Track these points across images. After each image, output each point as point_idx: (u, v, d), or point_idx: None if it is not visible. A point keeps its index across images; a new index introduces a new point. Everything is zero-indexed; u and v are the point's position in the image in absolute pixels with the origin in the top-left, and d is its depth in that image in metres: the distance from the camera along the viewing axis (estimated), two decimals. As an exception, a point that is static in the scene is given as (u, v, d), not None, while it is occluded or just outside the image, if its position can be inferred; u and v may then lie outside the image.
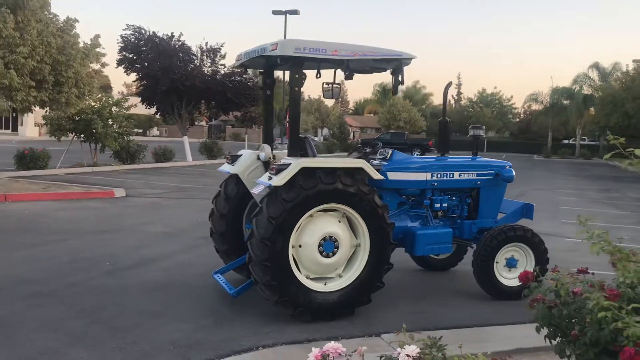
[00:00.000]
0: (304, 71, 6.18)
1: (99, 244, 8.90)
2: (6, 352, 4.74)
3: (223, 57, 29.30)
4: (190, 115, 29.18)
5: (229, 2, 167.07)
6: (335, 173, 5.67)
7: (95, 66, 15.46)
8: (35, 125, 54.32)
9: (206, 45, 29.10)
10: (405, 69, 6.16)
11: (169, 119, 29.60)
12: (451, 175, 6.97)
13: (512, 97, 69.33)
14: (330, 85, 7.02)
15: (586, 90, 53.31)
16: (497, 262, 6.66)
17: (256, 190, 5.91)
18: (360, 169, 5.82)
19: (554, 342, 3.63)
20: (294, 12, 36.97)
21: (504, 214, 7.46)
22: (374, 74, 6.92)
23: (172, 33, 28.60)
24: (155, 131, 75.80)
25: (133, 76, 28.43)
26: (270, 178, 5.62)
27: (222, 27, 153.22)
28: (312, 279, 5.87)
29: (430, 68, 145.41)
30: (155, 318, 5.70)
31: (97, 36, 15.35)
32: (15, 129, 56.72)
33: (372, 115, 68.03)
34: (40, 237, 9.31)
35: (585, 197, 19.73)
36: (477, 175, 7.12)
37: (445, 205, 6.98)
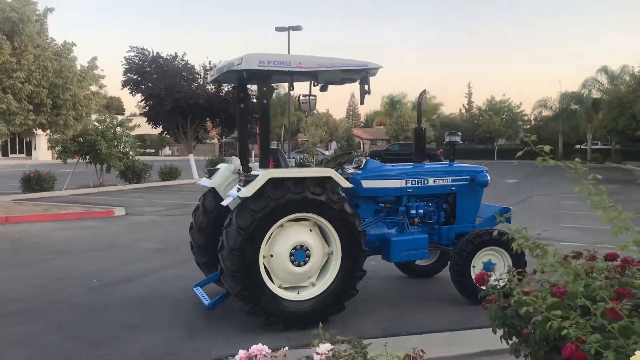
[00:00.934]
0: (273, 84, 6.31)
1: (90, 262, 9.04)
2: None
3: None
4: (195, 133, 29.44)
5: (233, 21, 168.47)
6: (304, 182, 5.75)
7: (93, 88, 15.71)
8: (48, 149, 55.07)
9: (209, 63, 29.45)
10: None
11: (179, 138, 29.80)
12: (425, 182, 7.03)
13: (521, 104, 68.95)
14: (306, 97, 7.15)
15: (595, 94, 52.95)
16: (473, 267, 6.67)
17: (225, 202, 6.02)
18: (329, 178, 5.90)
19: (510, 342, 3.67)
20: (297, 28, 37.26)
21: (483, 218, 7.48)
22: (346, 84, 7.01)
23: (175, 53, 29.03)
24: (167, 150, 76.56)
25: (139, 97, 28.80)
26: (239, 190, 5.73)
27: (226, 46, 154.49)
28: (285, 288, 5.94)
29: (440, 78, 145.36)
30: (132, 331, 5.79)
31: (94, 59, 15.67)
32: (29, 153, 57.56)
33: (381, 127, 68.13)
34: (32, 256, 9.48)
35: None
36: (452, 180, 7.17)
37: (421, 211, 7.03)
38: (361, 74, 6.25)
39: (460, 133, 7.71)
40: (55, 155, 21.59)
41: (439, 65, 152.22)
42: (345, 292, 6.00)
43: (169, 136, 32.36)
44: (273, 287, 5.80)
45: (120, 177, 23.29)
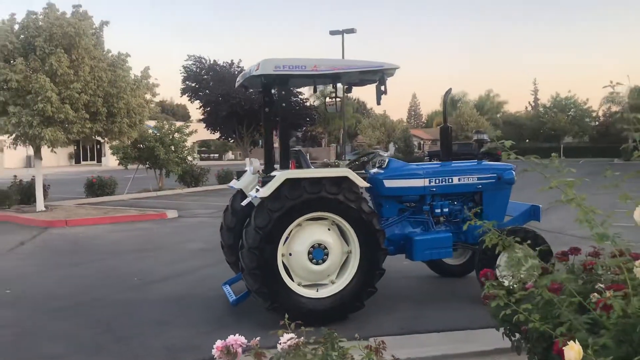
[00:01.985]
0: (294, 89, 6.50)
1: (136, 262, 9.51)
2: (11, 356, 5.28)
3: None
4: (251, 137, 30.14)
5: (288, 26, 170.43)
6: (320, 182, 5.91)
7: (148, 96, 16.40)
8: (112, 155, 57.51)
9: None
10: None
11: (236, 143, 30.65)
12: (450, 180, 7.03)
13: (587, 100, 66.34)
14: (332, 99, 7.35)
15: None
16: (498, 266, 6.63)
17: (244, 203, 6.25)
18: (346, 178, 6.02)
19: (513, 340, 3.71)
20: (351, 30, 37.46)
21: (511, 216, 7.41)
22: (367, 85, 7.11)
23: (232, 60, 29.88)
24: (230, 155, 78.30)
25: (197, 103, 29.77)
26: (257, 190, 5.95)
27: (283, 51, 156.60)
28: (305, 286, 6.10)
29: (504, 75, 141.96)
30: (160, 326, 6.10)
31: (147, 68, 16.35)
32: (99, 160, 60.21)
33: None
34: (84, 257, 10.06)
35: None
36: (478, 179, 7.14)
37: (446, 210, 7.04)
38: (378, 75, 6.34)
39: (487, 132, 7.67)
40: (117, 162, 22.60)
41: (503, 61, 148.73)
42: (364, 291, 6.11)
43: (229, 141, 33.24)
44: (292, 285, 5.98)
45: (178, 181, 24.13)
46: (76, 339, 5.73)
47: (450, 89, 7.67)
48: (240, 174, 7.23)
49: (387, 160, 7.12)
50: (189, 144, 23.44)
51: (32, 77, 13.23)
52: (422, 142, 69.92)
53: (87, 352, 5.40)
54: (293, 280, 6.04)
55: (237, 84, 7.18)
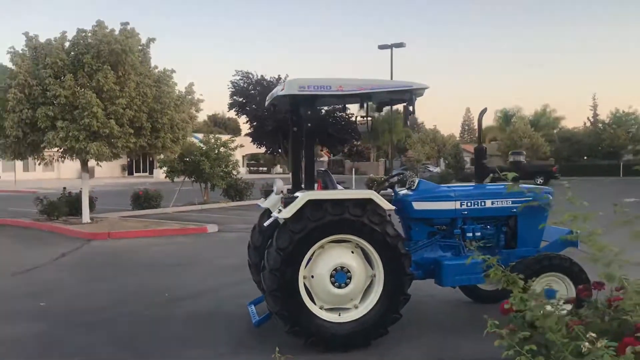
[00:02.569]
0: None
1: (169, 276, 9.56)
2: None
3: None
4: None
5: (336, 41, 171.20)
6: (343, 204, 5.77)
7: (192, 111, 16.66)
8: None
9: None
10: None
11: (282, 157, 30.86)
12: (482, 204, 6.77)
13: (651, 114, 63.65)
14: (363, 118, 7.23)
15: None
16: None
17: (266, 223, 6.18)
18: (370, 200, 5.87)
19: None
20: (400, 45, 37.27)
21: (548, 242, 7.07)
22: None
23: (279, 75, 30.05)
24: (278, 168, 78.96)
25: (244, 118, 30.10)
26: (280, 211, 5.87)
27: (330, 66, 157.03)
28: (327, 310, 5.96)
29: (562, 91, 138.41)
30: (182, 344, 6.06)
31: (191, 84, 16.63)
32: (151, 172, 61.68)
33: (493, 142, 66.02)
34: (120, 270, 10.20)
35: None
36: (512, 202, 6.85)
37: (478, 234, 6.78)
38: (406, 95, 6.19)
39: (524, 152, 7.38)
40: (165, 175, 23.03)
41: (561, 75, 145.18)
42: (388, 316, 5.91)
43: (274, 155, 33.48)
44: (313, 308, 5.84)
45: (223, 194, 24.38)
46: (95, 355, 5.76)
47: (485, 109, 7.41)
48: (268, 193, 7.17)
49: (417, 182, 6.93)
50: (237, 157, 23.71)
51: (79, 93, 13.63)
52: (472, 159, 68.57)
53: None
54: (315, 304, 5.92)
55: (266, 104, 7.14)
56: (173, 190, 22.68)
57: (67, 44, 14.81)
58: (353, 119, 30.51)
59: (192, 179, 22.79)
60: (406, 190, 6.92)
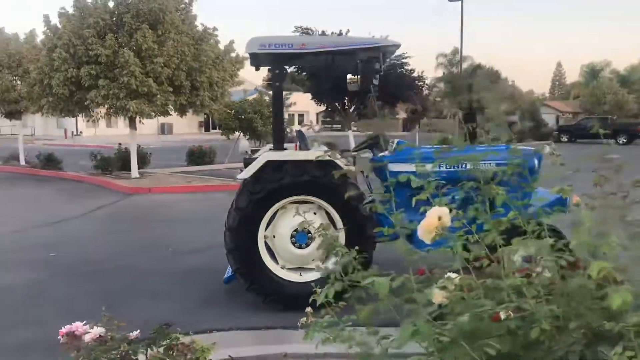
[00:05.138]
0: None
1: (185, 231, 9.91)
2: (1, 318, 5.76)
3: (390, 50, 29.46)
4: (356, 111, 29.94)
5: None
6: (303, 166, 5.74)
7: (234, 69, 16.83)
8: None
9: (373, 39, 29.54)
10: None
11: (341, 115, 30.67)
12: (463, 166, 6.50)
13: None
14: (354, 77, 7.06)
15: None
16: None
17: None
18: (331, 161, 5.79)
19: None
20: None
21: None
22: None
23: (340, 30, 29.58)
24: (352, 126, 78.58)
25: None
26: (240, 172, 5.92)
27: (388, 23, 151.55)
28: (290, 269, 6.01)
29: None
30: (154, 298, 6.32)
31: (231, 42, 16.75)
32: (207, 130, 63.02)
33: (577, 99, 62.50)
34: (143, 225, 10.66)
35: None
36: (497, 165, 6.53)
37: (457, 197, 6.54)
38: (375, 53, 5.97)
39: (517, 113, 6.97)
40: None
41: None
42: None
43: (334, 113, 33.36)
44: (274, 267, 5.91)
45: (279, 151, 24.62)
46: (70, 306, 6.11)
47: (479, 65, 7.03)
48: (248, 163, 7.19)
49: (395, 143, 6.74)
50: (312, 114, 23.71)
51: (119, 52, 14.09)
52: (558, 116, 65.37)
53: (70, 319, 5.71)
54: (277, 263, 5.98)
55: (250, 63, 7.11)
56: (213, 146, 23.01)
57: (111, 4, 15.25)
58: (416, 75, 29.94)
59: (247, 136, 23.15)
60: (386, 152, 6.77)
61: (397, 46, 5.93)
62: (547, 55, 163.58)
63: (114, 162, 17.85)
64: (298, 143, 6.82)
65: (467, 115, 6.86)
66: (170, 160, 22.31)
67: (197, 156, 21.10)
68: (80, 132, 48.37)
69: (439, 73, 54.50)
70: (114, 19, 14.85)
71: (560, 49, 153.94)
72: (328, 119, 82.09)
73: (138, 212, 12.22)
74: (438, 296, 2.58)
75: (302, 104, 34.76)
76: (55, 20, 15.37)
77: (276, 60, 6.03)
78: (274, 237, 5.93)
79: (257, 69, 6.96)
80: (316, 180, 5.72)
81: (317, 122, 77.01)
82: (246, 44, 5.83)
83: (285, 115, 23.87)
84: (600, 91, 51.48)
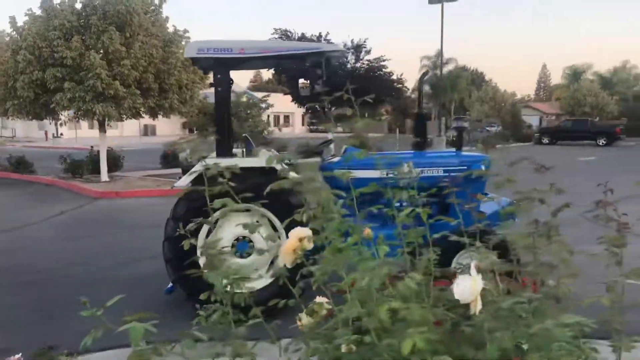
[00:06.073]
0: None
1: (143, 238, 9.69)
2: None
3: (368, 52, 29.50)
4: (335, 114, 29.86)
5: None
6: (244, 173, 5.59)
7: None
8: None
9: (351, 42, 29.53)
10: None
11: (321, 117, 30.65)
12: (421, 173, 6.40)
13: None
14: (306, 82, 6.94)
15: None
16: (456, 268, 5.97)
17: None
18: (272, 168, 5.65)
19: None
20: (452, -2, 35.61)
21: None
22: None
23: (320, 33, 29.53)
24: (338, 128, 78.55)
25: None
26: (179, 179, 5.78)
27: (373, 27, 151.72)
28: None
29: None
30: (76, 310, 6.15)
31: (202, 44, 16.55)
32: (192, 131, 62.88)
33: (558, 101, 62.83)
34: (104, 230, 10.45)
35: None
36: (445, 171, 6.44)
37: (405, 204, 6.43)
38: (316, 58, 5.85)
39: (468, 118, 6.89)
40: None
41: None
42: (294, 286, 5.74)
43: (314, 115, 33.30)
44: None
45: (256, 154, 24.49)
46: (7, 315, 5.93)
47: (428, 71, 6.98)
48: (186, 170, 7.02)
49: (343, 148, 6.62)
50: (297, 115, 23.69)
51: (85, 55, 13.87)
52: (541, 117, 65.64)
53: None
54: (218, 273, 5.83)
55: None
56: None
57: (78, 6, 15.02)
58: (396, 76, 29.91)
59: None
60: (334, 157, 6.66)
61: (339, 50, 5.81)
62: (533, 56, 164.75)
63: (85, 166, 17.60)
64: (244, 149, 6.68)
65: (418, 116, 6.76)
66: (145, 162, 22.06)
67: (172, 159, 20.88)
68: (61, 134, 47.84)
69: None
70: (81, 20, 14.61)
71: (545, 51, 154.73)
72: (314, 121, 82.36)
73: (101, 217, 12.01)
74: (304, 320, 2.48)
75: (290, 105, 34.55)
76: (22, 21, 15.14)
77: (217, 64, 5.89)
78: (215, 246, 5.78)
79: (205, 72, 6.84)
80: (258, 188, 5.57)
81: (303, 124, 77.04)
82: (185, 49, 5.69)
83: (265, 118, 23.82)
84: (580, 93, 51.80)
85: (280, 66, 6.86)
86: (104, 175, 16.53)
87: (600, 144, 40.62)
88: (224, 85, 6.00)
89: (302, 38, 29.19)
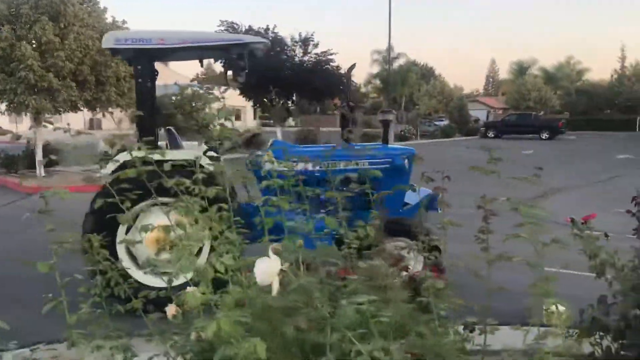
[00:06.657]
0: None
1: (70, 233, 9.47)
2: None
3: (316, 45, 29.43)
4: (284, 106, 29.80)
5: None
6: (163, 166, 5.51)
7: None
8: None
9: (299, 35, 29.41)
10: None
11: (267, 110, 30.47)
12: (335, 165, 6.44)
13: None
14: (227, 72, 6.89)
15: None
16: (379, 260, 6.04)
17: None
18: (194, 161, 5.59)
19: None
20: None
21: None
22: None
23: (267, 26, 29.26)
24: (290, 121, 78.26)
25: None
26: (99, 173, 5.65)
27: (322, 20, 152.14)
28: (155, 274, 5.79)
29: (590, 42, 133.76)
30: (8, 306, 5.99)
31: (140, 36, 16.23)
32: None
33: (504, 95, 64.43)
34: (22, 227, 10.13)
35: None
36: (370, 164, 6.51)
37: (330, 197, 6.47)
38: (238, 49, 5.80)
39: (394, 111, 6.99)
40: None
41: (589, 28, 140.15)
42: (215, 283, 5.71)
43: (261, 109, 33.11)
44: (135, 273, 5.69)
45: (206, 148, 24.21)
46: None
47: (354, 65, 6.99)
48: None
49: (271, 142, 6.63)
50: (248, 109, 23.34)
51: (16, 45, 13.41)
52: (489, 112, 67.05)
53: None
54: (140, 268, 5.76)
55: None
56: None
57: (9, -5, 14.53)
58: (342, 71, 29.94)
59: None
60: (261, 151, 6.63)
61: (262, 42, 5.78)
62: (483, 52, 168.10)
63: (20, 161, 17.03)
64: (167, 142, 6.59)
65: (344, 115, 6.80)
66: (85, 158, 21.48)
67: (118, 153, 20.40)
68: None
69: (375, 69, 55.12)
70: (12, 10, 14.11)
71: (496, 46, 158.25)
72: (265, 115, 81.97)
73: (27, 213, 11.63)
74: (172, 309, 2.50)
75: (240, 99, 34.25)
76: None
77: (138, 55, 5.78)
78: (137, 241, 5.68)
79: (129, 64, 6.70)
80: (178, 182, 5.50)
81: (255, 117, 76.54)
82: (103, 39, 5.56)
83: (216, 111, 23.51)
84: (525, 88, 53.18)
85: (204, 57, 6.75)
86: (40, 170, 16.04)
87: (544, 137, 41.81)
88: (144, 77, 5.88)
89: (249, 31, 28.89)
